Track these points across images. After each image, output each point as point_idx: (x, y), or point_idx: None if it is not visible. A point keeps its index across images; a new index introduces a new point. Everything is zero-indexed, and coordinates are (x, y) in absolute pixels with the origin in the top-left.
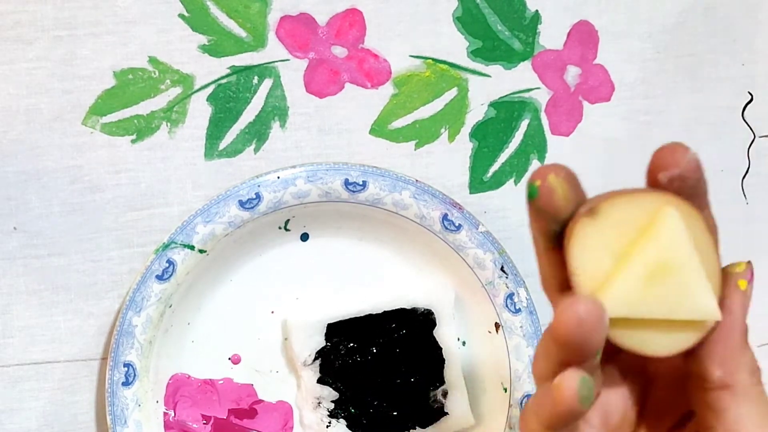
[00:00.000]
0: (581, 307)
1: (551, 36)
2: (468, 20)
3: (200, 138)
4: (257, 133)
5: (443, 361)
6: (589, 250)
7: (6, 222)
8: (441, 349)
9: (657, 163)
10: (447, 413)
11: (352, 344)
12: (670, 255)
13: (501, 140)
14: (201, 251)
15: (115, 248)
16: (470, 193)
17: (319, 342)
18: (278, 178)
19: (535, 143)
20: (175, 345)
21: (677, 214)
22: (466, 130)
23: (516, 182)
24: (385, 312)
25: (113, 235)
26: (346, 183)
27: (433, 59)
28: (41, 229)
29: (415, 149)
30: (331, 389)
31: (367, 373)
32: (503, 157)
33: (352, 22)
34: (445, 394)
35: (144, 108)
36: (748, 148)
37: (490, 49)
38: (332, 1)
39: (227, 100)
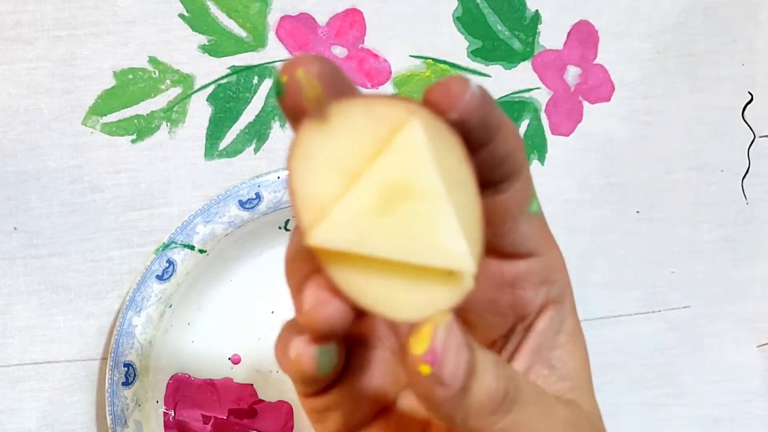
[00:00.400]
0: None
1: (551, 36)
2: (468, 20)
3: (200, 138)
4: (257, 133)
5: None
6: (314, 166)
7: (6, 222)
8: None
9: (432, 106)
10: None
11: None
12: (409, 177)
13: None
14: (201, 251)
15: (115, 248)
16: None
17: None
18: (278, 178)
19: (535, 143)
20: (175, 345)
21: (422, 128)
22: None
23: None
24: None
25: (113, 235)
26: None
27: (433, 59)
28: (41, 229)
29: None
30: None
31: None
32: None
33: (352, 22)
34: None
35: (144, 108)
36: (748, 148)
37: (490, 49)
38: (332, 1)
39: (227, 100)
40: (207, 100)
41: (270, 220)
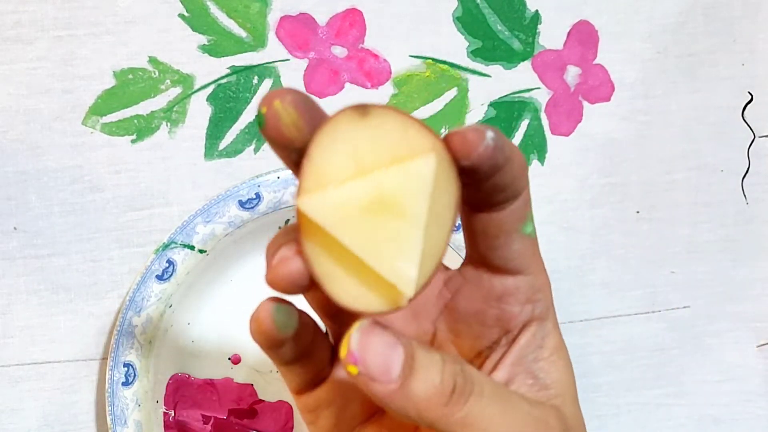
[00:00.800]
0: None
1: (551, 36)
2: (468, 20)
3: (200, 138)
4: (257, 133)
5: None
6: (337, 145)
7: (6, 222)
8: None
9: (452, 150)
10: None
11: None
12: (404, 197)
13: None
14: (201, 251)
15: (115, 248)
16: None
17: None
18: (278, 178)
19: (535, 143)
20: (175, 345)
21: (434, 166)
22: None
23: None
24: None
25: (113, 235)
26: None
27: (433, 59)
28: (41, 229)
29: None
30: None
31: None
32: None
33: (352, 22)
34: None
35: (144, 108)
36: (748, 148)
37: (490, 49)
38: (332, 1)
39: (227, 100)
40: (207, 100)
41: (270, 220)
